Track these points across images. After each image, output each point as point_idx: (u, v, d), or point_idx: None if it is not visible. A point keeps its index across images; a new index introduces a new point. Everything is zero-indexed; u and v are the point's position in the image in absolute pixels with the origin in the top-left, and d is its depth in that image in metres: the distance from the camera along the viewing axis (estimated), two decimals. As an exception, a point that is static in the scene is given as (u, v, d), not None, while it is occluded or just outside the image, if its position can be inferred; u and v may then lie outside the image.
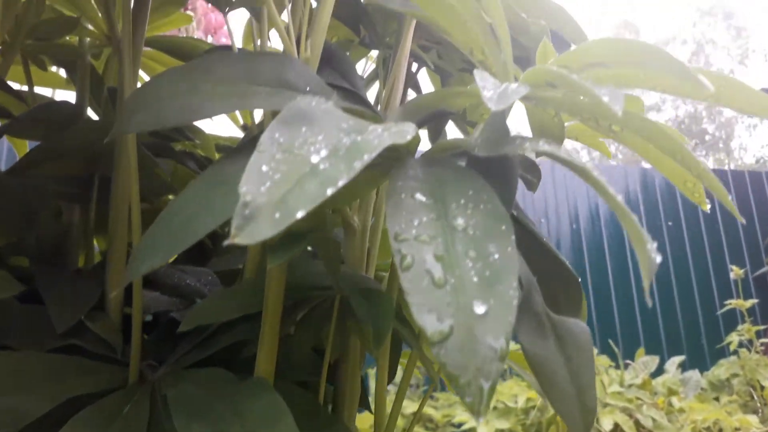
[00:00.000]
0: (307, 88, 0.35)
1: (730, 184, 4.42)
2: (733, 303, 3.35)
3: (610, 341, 3.46)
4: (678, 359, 3.36)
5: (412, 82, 0.63)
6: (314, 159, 0.25)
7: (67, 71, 0.67)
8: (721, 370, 3.33)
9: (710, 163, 15.83)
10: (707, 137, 15.96)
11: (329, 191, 0.23)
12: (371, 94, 0.62)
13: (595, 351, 3.19)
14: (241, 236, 0.21)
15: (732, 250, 4.16)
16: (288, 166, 0.25)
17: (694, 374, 3.28)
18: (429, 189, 0.29)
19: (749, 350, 3.05)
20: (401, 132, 0.27)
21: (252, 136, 0.43)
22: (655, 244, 0.26)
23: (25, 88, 0.62)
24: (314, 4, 0.43)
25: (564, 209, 4.14)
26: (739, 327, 3.24)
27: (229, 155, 0.33)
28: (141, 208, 0.40)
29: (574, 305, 0.41)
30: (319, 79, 0.36)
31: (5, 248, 0.50)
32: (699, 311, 3.97)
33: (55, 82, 0.70)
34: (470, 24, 0.34)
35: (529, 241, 0.40)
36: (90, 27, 0.60)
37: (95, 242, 0.62)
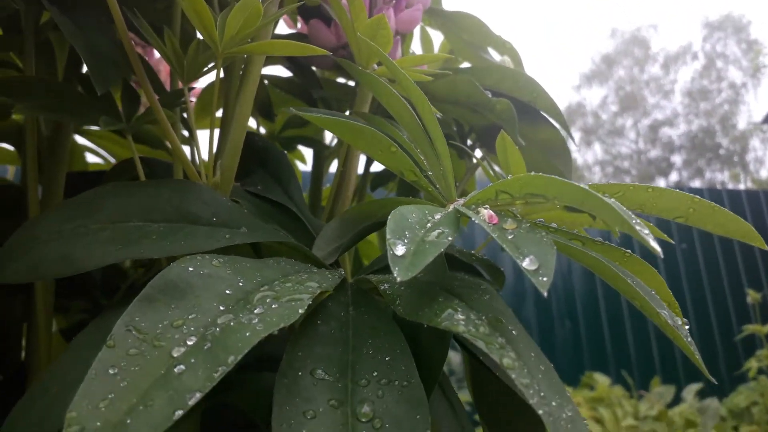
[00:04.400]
0: (213, 219, 0.31)
1: (745, 205, 4.32)
2: (750, 328, 3.24)
3: (624, 372, 3.37)
4: (695, 387, 3.27)
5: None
6: (176, 353, 0.21)
7: (16, 147, 0.64)
8: (740, 397, 3.22)
9: (725, 179, 15.64)
10: (721, 151, 15.77)
11: (177, 414, 0.19)
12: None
13: (609, 382, 3.10)
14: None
15: (749, 272, 4.05)
16: (140, 368, 0.20)
17: (712, 402, 3.18)
18: (337, 356, 0.25)
19: (768, 376, 2.94)
20: (291, 311, 0.23)
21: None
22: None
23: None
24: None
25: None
26: (758, 353, 3.14)
27: (117, 304, 0.29)
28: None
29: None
30: (228, 206, 0.32)
31: None
32: (716, 336, 3.86)
33: (6, 158, 0.67)
34: (394, 149, 0.30)
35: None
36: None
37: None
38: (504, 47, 0.67)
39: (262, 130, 0.70)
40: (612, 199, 0.29)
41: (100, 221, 0.29)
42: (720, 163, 15.87)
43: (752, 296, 3.30)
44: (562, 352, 3.59)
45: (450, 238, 0.26)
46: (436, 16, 0.67)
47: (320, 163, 0.70)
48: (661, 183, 16.36)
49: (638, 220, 0.25)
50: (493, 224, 0.28)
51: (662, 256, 0.23)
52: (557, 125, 0.58)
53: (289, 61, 0.52)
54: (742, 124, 15.86)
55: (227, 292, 0.24)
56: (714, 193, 4.37)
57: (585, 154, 17.15)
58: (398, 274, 0.22)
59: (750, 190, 4.49)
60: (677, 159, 16.30)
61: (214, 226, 0.31)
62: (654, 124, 16.58)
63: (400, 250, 0.24)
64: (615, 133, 16.90)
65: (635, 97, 16.80)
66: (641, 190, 0.31)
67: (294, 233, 0.37)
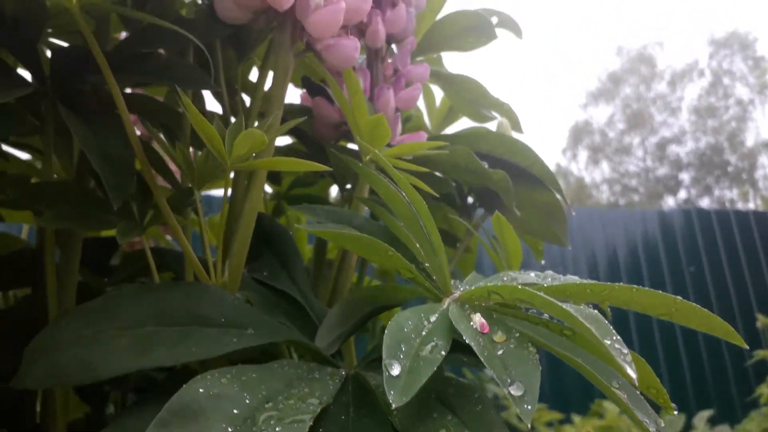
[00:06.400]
0: (222, 320, 0.33)
1: (753, 226, 4.31)
2: (761, 353, 3.21)
3: (634, 398, 3.33)
4: (706, 413, 3.23)
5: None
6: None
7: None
8: (752, 424, 3.18)
9: (734, 196, 15.56)
10: (730, 168, 15.72)
11: None
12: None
13: (618, 410, 3.07)
14: None
15: (759, 296, 4.03)
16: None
17: (724, 429, 3.15)
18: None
19: (781, 403, 2.91)
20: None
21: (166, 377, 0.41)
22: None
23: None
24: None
25: (582, 257, 4.06)
26: (769, 378, 3.10)
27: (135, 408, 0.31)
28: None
29: None
30: (236, 306, 0.34)
31: None
32: (727, 361, 3.83)
33: (21, 216, 0.69)
34: (391, 253, 0.32)
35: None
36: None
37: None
38: (501, 108, 0.69)
39: (268, 189, 0.72)
40: (595, 312, 0.30)
41: (117, 327, 0.31)
42: (728, 180, 15.82)
43: (762, 321, 3.28)
44: (571, 379, 3.57)
45: (443, 353, 0.28)
46: (438, 77, 0.70)
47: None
48: (669, 201, 16.31)
49: (617, 340, 0.27)
50: (485, 333, 0.29)
51: (637, 386, 0.25)
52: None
53: (297, 136, 0.55)
54: (750, 141, 15.83)
55: (235, 411, 0.26)
56: (722, 215, 4.35)
57: (592, 173, 17.15)
58: (393, 400, 0.24)
59: (758, 212, 4.48)
60: (685, 177, 16.26)
61: (223, 327, 0.32)
62: (661, 141, 16.57)
63: (395, 370, 0.26)
64: (622, 151, 16.90)
65: (642, 114, 16.81)
66: (626, 290, 0.33)
67: (298, 322, 0.39)
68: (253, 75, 0.54)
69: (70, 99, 0.38)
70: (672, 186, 16.32)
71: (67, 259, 0.51)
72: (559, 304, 0.28)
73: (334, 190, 0.73)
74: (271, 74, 0.48)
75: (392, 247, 0.38)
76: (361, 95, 0.40)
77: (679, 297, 0.33)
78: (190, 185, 0.35)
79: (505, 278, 0.40)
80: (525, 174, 0.60)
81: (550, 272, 0.44)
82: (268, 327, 0.34)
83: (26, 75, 0.44)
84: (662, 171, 16.45)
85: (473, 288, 0.34)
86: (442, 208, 0.70)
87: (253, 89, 0.55)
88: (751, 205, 15.43)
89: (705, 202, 15.99)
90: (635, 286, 0.33)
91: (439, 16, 0.63)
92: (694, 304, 0.33)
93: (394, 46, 0.57)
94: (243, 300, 0.34)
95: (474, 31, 0.61)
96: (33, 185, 0.36)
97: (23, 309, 0.56)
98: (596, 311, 0.30)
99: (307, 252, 0.79)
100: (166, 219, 0.34)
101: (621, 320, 3.77)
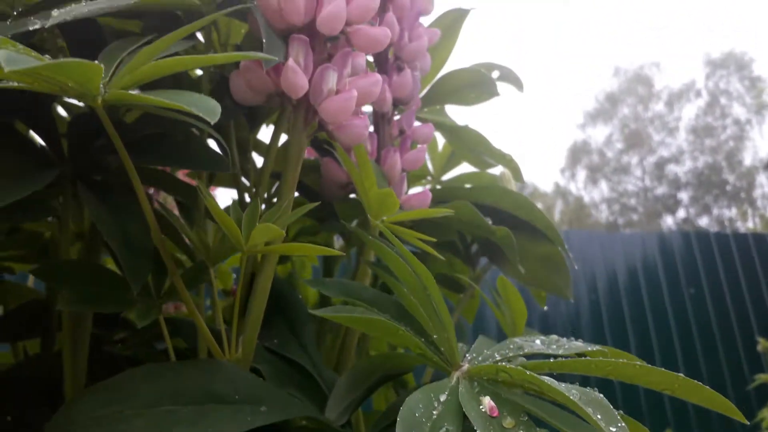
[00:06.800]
0: (236, 396, 0.34)
1: (752, 248, 4.32)
2: (763, 377, 3.20)
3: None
4: (709, 438, 3.21)
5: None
6: None
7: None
8: (755, 449, 3.16)
9: (733, 215, 15.59)
10: (728, 187, 15.78)
11: None
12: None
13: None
14: None
15: (759, 319, 4.02)
16: None
17: (727, 454, 3.13)
18: None
19: (783, 430, 2.89)
20: None
21: None
22: None
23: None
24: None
25: (582, 279, 4.06)
26: (771, 403, 3.09)
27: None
28: None
29: None
30: (249, 381, 0.34)
31: None
32: (729, 385, 3.81)
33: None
34: (401, 332, 0.33)
35: None
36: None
37: None
38: (503, 159, 0.71)
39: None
40: (600, 397, 0.31)
41: (134, 407, 0.32)
42: (727, 199, 15.86)
43: (763, 344, 3.27)
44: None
45: (454, 439, 0.29)
46: (441, 128, 0.71)
47: (330, 265, 0.73)
48: (668, 220, 16.33)
49: (622, 427, 0.28)
50: (494, 417, 0.30)
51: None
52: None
53: (305, 194, 0.56)
54: (748, 160, 15.91)
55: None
56: (721, 237, 4.36)
57: (591, 192, 17.19)
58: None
59: (757, 234, 4.49)
60: (684, 196, 16.31)
61: (237, 404, 0.33)
62: (660, 161, 16.65)
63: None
64: (621, 170, 16.97)
65: (640, 134, 16.92)
66: (630, 367, 0.34)
67: (309, 392, 0.40)
68: (262, 133, 0.55)
69: (87, 173, 0.39)
70: (671, 205, 16.37)
71: (78, 319, 0.52)
72: (566, 393, 0.29)
73: (337, 242, 0.74)
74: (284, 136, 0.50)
75: (401, 318, 0.39)
76: (370, 169, 0.42)
77: (681, 375, 0.34)
78: (204, 261, 0.37)
79: (511, 346, 0.41)
80: (528, 226, 0.61)
81: (554, 337, 0.45)
82: (281, 402, 0.35)
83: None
84: (661, 190, 16.51)
85: (483, 366, 0.35)
86: (445, 255, 0.71)
87: (265, 149, 0.56)
88: (750, 225, 15.45)
89: (704, 221, 16.02)
90: (639, 362, 0.34)
91: (443, 72, 0.65)
92: (695, 381, 0.34)
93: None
94: (255, 378, 0.35)
95: (476, 87, 0.63)
96: (50, 264, 0.37)
97: (35, 365, 0.56)
98: (602, 396, 0.31)
99: (312, 295, 0.80)
100: (181, 296, 0.35)
101: (622, 341, 3.77)
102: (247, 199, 0.54)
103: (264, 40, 0.32)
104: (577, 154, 17.51)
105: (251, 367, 0.38)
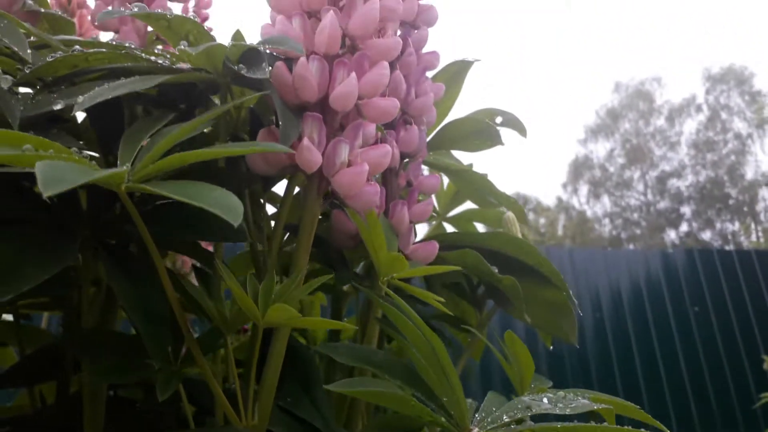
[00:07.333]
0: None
1: (756, 264, 4.31)
2: (768, 396, 3.18)
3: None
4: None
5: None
6: None
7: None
8: (763, 468, 3.13)
9: (736, 229, 15.56)
10: (731, 201, 15.77)
11: None
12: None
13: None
14: None
15: (764, 334, 4.01)
16: None
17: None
18: None
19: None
20: None
21: None
22: None
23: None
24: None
25: (585, 297, 4.05)
26: (778, 420, 3.07)
27: None
28: None
29: None
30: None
31: None
32: (735, 403, 3.79)
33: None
34: (413, 403, 0.34)
35: None
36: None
37: None
38: (507, 201, 0.72)
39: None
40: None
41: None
42: (730, 213, 15.85)
43: (768, 363, 3.26)
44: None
45: None
46: (447, 171, 0.73)
47: (338, 305, 0.74)
48: (671, 234, 16.31)
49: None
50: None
51: None
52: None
53: (315, 242, 0.57)
54: (750, 174, 15.92)
55: None
56: (724, 254, 4.36)
57: (594, 207, 17.20)
58: None
59: (759, 250, 4.49)
60: (686, 210, 16.31)
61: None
62: (661, 175, 16.67)
63: None
64: (623, 185, 16.99)
65: (642, 149, 16.96)
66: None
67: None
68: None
69: (106, 240, 0.41)
70: (673, 219, 16.36)
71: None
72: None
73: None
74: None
75: (412, 382, 0.40)
76: (380, 228, 0.43)
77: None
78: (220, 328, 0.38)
79: (519, 406, 0.42)
80: (533, 272, 0.62)
81: (561, 393, 0.45)
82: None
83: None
84: (663, 204, 16.51)
85: (490, 428, 0.36)
86: (452, 298, 0.72)
87: (279, 201, 0.57)
88: (754, 239, 15.42)
89: (707, 235, 16.00)
90: None
91: (448, 119, 0.66)
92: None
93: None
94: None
95: (480, 135, 0.64)
96: (74, 336, 0.38)
97: (53, 412, 0.57)
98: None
99: (321, 333, 0.81)
100: (198, 363, 0.36)
101: (627, 359, 3.76)
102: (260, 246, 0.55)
103: (280, 122, 0.34)
104: (579, 168, 17.55)
105: (267, 430, 0.39)
